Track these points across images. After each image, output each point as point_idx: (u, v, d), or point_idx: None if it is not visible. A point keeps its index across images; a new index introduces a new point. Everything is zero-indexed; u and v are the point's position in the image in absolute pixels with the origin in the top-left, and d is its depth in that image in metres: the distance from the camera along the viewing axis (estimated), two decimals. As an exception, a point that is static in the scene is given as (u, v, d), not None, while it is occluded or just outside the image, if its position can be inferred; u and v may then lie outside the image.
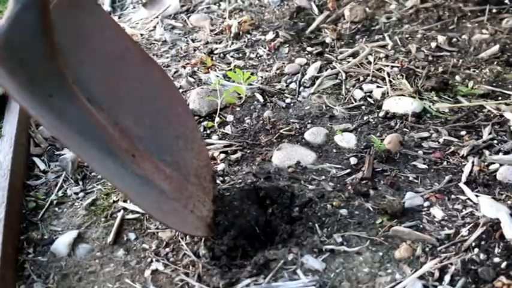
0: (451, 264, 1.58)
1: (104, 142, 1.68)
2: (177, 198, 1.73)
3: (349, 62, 2.55)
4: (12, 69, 1.55)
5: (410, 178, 1.91)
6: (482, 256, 1.59)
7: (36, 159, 2.15)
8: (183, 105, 1.95)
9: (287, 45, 2.73)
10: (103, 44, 1.82)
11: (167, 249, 1.75)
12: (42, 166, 2.12)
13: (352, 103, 2.30)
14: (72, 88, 1.66)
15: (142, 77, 1.87)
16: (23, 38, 1.56)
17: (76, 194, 2.00)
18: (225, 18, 2.99)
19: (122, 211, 1.88)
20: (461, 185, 1.86)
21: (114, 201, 1.93)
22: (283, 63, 2.59)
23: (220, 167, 2.03)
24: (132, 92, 1.84)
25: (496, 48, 2.49)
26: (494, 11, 2.78)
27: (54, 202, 1.97)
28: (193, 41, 2.87)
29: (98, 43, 1.81)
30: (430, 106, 2.21)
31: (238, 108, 2.33)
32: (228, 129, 2.22)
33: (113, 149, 1.69)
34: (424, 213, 1.78)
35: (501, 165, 1.91)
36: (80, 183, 2.04)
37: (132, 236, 1.81)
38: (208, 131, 2.22)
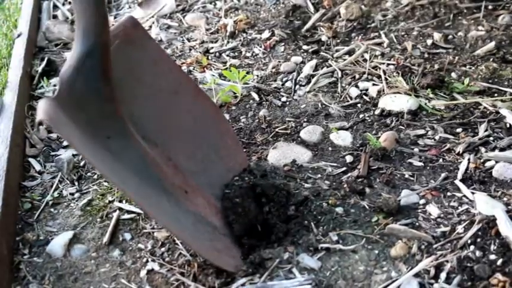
0: (447, 261, 1.58)
1: (158, 180, 1.69)
2: (228, 233, 1.74)
3: (345, 59, 2.54)
4: (73, 114, 1.55)
5: (406, 176, 1.91)
6: (478, 253, 1.59)
7: (31, 160, 2.15)
8: (233, 139, 1.99)
9: (283, 43, 2.72)
10: (156, 78, 1.84)
11: (163, 249, 1.74)
12: (37, 167, 2.12)
13: (348, 101, 2.30)
14: (129, 127, 1.69)
15: (195, 111, 1.90)
16: (86, 84, 1.58)
17: (72, 194, 1.99)
18: (220, 17, 2.99)
19: (117, 211, 1.88)
20: (457, 182, 1.86)
21: (109, 202, 1.93)
22: (279, 61, 2.59)
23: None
24: (184, 126, 1.87)
25: (491, 45, 2.49)
26: (490, 7, 2.78)
27: (50, 203, 1.97)
28: (188, 40, 2.86)
29: (152, 78, 1.83)
30: (426, 103, 2.20)
31: (234, 107, 2.33)
32: (223, 128, 2.21)
33: (168, 187, 1.70)
34: (419, 210, 1.77)
35: (497, 162, 1.91)
36: (76, 183, 2.04)
37: (127, 236, 1.81)
38: (204, 130, 2.22)
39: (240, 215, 1.75)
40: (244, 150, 2.09)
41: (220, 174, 1.84)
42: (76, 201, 1.96)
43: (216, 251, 1.66)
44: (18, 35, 2.85)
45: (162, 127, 1.81)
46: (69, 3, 3.32)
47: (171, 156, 1.78)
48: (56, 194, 1.99)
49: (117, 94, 1.66)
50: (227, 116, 2.27)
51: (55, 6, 3.29)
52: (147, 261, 1.72)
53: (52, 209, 1.95)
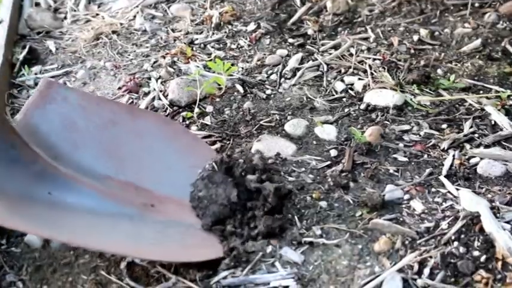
0: (431, 257, 1.57)
1: (116, 208, 1.74)
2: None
3: (330, 54, 2.53)
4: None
5: (391, 171, 1.90)
6: (461, 249, 1.58)
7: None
8: (186, 134, 2.03)
9: (268, 36, 2.70)
10: (89, 119, 1.91)
11: (143, 241, 1.72)
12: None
13: (333, 95, 2.29)
14: (67, 175, 1.74)
15: (137, 128, 1.96)
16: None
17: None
18: (206, 8, 2.96)
19: (98, 202, 1.85)
20: (441, 178, 1.85)
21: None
22: (264, 54, 2.57)
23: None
24: (134, 147, 1.92)
25: (477, 42, 2.49)
26: (476, 5, 2.77)
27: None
28: (173, 31, 2.83)
29: (84, 121, 1.91)
30: (411, 99, 2.19)
31: (218, 99, 2.31)
32: (207, 120, 2.19)
33: (129, 209, 1.75)
34: (404, 206, 1.76)
35: (481, 158, 1.91)
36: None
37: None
38: (187, 122, 2.19)
39: (207, 207, 1.75)
40: (228, 142, 2.07)
41: (186, 173, 1.84)
42: (56, 191, 1.93)
43: (187, 247, 1.67)
44: (0, 22, 2.80)
45: (112, 159, 1.87)
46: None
47: (129, 179, 1.84)
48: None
49: (52, 152, 1.78)
50: (211, 108, 2.25)
51: (38, -6, 3.24)
52: (128, 252, 1.69)
53: (31, 199, 1.91)
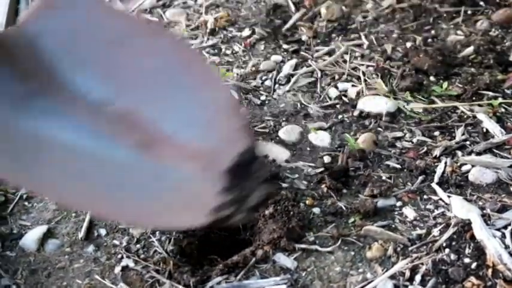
0: (422, 264, 1.59)
1: (108, 147, 1.55)
2: (204, 178, 1.50)
3: (324, 60, 2.54)
4: None
5: (384, 177, 1.91)
6: (453, 256, 1.60)
7: (6, 152, 2.12)
8: (203, 65, 1.77)
9: (263, 42, 2.72)
10: (99, 33, 1.65)
11: (138, 246, 1.73)
12: (12, 159, 2.09)
13: (327, 101, 2.30)
14: (58, 99, 1.57)
15: (149, 48, 1.66)
16: None
17: (46, 188, 1.97)
18: (201, 13, 2.97)
19: (92, 206, 1.86)
20: (433, 185, 1.87)
21: (85, 197, 1.91)
22: (259, 60, 2.58)
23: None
24: (139, 69, 1.64)
25: (470, 49, 2.51)
26: (469, 12, 2.79)
27: (24, 196, 1.94)
28: (168, 35, 2.84)
29: (94, 35, 1.65)
30: (404, 106, 2.21)
31: (212, 105, 2.32)
32: (202, 126, 2.20)
33: (121, 150, 1.55)
34: (396, 213, 1.78)
35: (473, 166, 1.92)
36: (51, 177, 2.01)
37: (102, 231, 1.79)
38: (182, 127, 2.20)
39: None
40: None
41: (193, 111, 1.60)
42: (51, 195, 1.94)
43: (171, 209, 1.48)
44: (-5, 25, 2.80)
45: (112, 81, 1.62)
46: (48, -6, 3.28)
47: (130, 108, 1.58)
48: (30, 188, 1.97)
49: (48, 70, 1.56)
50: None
51: (33, -3, 3.25)
52: (122, 257, 1.70)
53: (26, 203, 1.92)
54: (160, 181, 1.52)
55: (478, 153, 1.98)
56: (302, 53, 2.62)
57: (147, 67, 1.64)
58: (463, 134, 2.07)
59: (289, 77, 2.45)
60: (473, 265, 1.57)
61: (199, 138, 1.56)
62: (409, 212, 1.77)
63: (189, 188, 1.50)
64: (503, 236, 1.64)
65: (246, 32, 2.79)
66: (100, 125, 1.55)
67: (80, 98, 1.58)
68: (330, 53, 2.59)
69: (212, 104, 1.60)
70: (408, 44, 2.59)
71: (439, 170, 1.92)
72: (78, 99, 1.57)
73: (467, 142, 2.04)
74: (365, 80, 2.37)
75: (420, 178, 1.89)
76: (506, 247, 1.60)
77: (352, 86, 2.36)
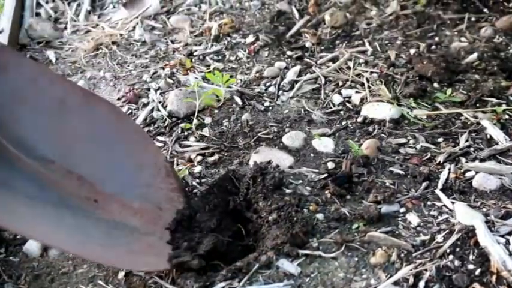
0: (426, 270, 1.58)
1: (59, 198, 1.66)
2: (151, 231, 1.70)
3: (328, 66, 2.55)
4: None
5: (387, 184, 1.91)
6: (456, 263, 1.59)
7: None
8: (138, 132, 1.88)
9: (267, 48, 2.72)
10: (39, 95, 1.76)
11: (141, 251, 1.73)
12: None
13: (331, 108, 2.30)
14: (11, 153, 1.65)
15: (89, 115, 1.79)
16: None
17: (50, 194, 1.97)
18: (205, 20, 2.98)
19: (96, 212, 1.86)
20: (437, 191, 1.87)
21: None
22: (263, 66, 2.59)
23: (197, 169, 2.02)
24: (81, 134, 1.78)
25: (474, 56, 2.51)
26: (473, 19, 2.80)
27: (28, 202, 1.94)
28: (172, 42, 2.85)
29: (33, 95, 1.75)
30: (408, 112, 2.21)
31: (216, 111, 2.32)
32: (206, 132, 2.20)
33: (71, 201, 1.66)
34: (400, 219, 1.78)
35: (477, 172, 1.92)
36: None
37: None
38: (185, 133, 2.21)
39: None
40: (226, 153, 2.09)
41: (132, 173, 1.77)
42: (55, 200, 1.94)
43: (133, 254, 1.64)
44: (0, 32, 2.81)
45: (56, 141, 1.74)
46: (53, 0, 3.29)
47: (73, 168, 1.72)
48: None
49: None
50: (209, 119, 2.26)
51: (38, 4, 3.25)
52: (126, 263, 1.70)
53: (30, 208, 1.92)
54: (116, 230, 1.66)
55: (482, 160, 1.98)
56: (306, 59, 2.62)
57: (85, 132, 1.77)
58: (467, 141, 2.07)
59: (293, 84, 2.45)
60: (477, 271, 1.56)
61: (142, 198, 1.74)
62: (413, 218, 1.77)
63: (143, 237, 1.67)
64: (507, 242, 1.64)
65: (250, 38, 2.80)
66: (48, 178, 1.67)
67: (27, 154, 1.68)
68: (333, 60, 2.60)
69: (149, 167, 1.78)
70: (412, 51, 2.59)
71: (443, 176, 1.91)
72: (25, 154, 1.68)
73: (471, 148, 2.04)
74: (369, 87, 2.37)
75: (424, 184, 1.89)
76: (510, 253, 1.59)
77: (356, 92, 2.36)
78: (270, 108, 2.33)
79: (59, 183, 1.68)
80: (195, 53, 2.73)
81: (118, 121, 1.83)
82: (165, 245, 1.67)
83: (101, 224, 1.66)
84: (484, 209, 1.78)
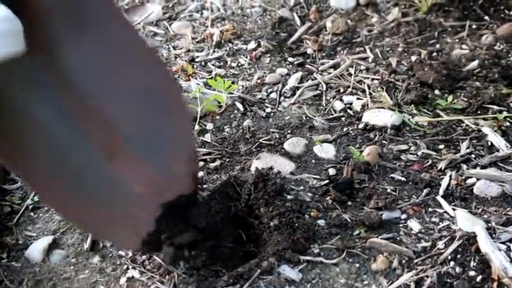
0: (427, 276, 1.59)
1: (73, 130, 1.57)
2: (145, 206, 1.60)
3: (330, 73, 2.55)
4: None
5: (388, 190, 1.92)
6: (458, 269, 1.60)
7: (12, 163, 2.12)
8: (183, 113, 1.73)
9: (268, 55, 2.73)
10: (109, 32, 1.61)
11: (143, 257, 1.73)
12: (18, 170, 2.09)
13: (332, 114, 2.31)
14: (51, 79, 1.54)
15: (147, 76, 1.65)
16: None
17: (52, 199, 1.97)
18: (207, 26, 2.99)
19: (98, 217, 1.86)
20: (438, 198, 1.87)
21: (90, 207, 1.91)
22: (264, 72, 2.60)
23: (199, 175, 2.03)
24: (132, 88, 1.64)
25: (475, 63, 2.51)
26: (474, 27, 2.81)
27: (30, 207, 1.95)
28: (174, 48, 2.86)
29: (103, 31, 1.60)
30: (409, 119, 2.22)
31: (218, 117, 2.33)
32: (207, 138, 2.21)
33: (85, 140, 1.57)
34: (401, 225, 1.78)
35: (478, 179, 1.92)
36: (57, 188, 2.02)
37: (108, 242, 1.79)
38: (187, 139, 2.21)
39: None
40: (228, 160, 2.09)
41: (161, 142, 1.65)
42: (57, 206, 1.94)
43: (114, 222, 1.59)
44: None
45: (102, 83, 1.60)
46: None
47: (106, 113, 1.59)
48: (36, 198, 1.97)
49: (41, 37, 1.50)
50: (211, 125, 2.27)
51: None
52: (128, 268, 1.71)
53: (32, 213, 1.93)
54: (111, 190, 1.59)
55: (483, 167, 1.99)
56: (307, 66, 2.63)
57: (135, 87, 1.64)
58: (468, 148, 2.08)
59: (294, 90, 2.46)
60: (478, 278, 1.57)
61: (157, 168, 1.63)
62: (414, 225, 1.77)
63: (132, 208, 1.60)
64: (509, 249, 1.64)
65: (252, 44, 2.81)
66: (77, 115, 1.57)
67: (71, 85, 1.56)
68: (335, 66, 2.61)
69: (176, 141, 1.66)
70: (413, 58, 2.60)
71: (444, 183, 1.92)
72: (68, 85, 1.56)
73: (472, 155, 2.05)
74: (370, 93, 2.38)
75: (425, 191, 1.89)
76: (511, 260, 1.59)
77: (357, 99, 2.37)
78: (272, 114, 2.34)
79: (84, 119, 1.57)
80: (196, 59, 2.74)
81: (170, 94, 1.68)
82: (148, 224, 1.59)
83: (102, 179, 1.58)
84: (485, 216, 1.79)
